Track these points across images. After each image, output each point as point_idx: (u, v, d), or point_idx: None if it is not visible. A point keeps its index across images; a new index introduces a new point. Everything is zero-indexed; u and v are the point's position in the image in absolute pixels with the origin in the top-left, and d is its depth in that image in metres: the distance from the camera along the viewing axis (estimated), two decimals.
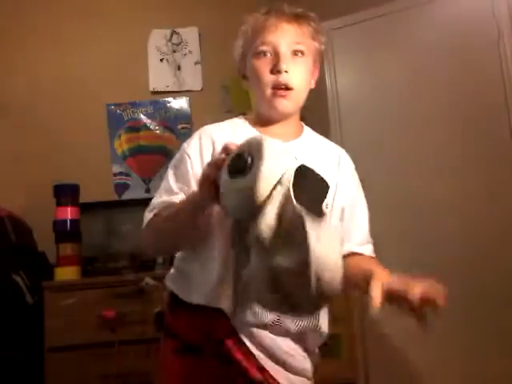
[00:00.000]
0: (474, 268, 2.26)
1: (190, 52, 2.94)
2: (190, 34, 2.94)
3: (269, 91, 1.07)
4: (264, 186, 0.76)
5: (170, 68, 2.93)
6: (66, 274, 2.26)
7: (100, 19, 2.88)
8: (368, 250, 1.14)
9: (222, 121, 1.18)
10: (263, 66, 1.07)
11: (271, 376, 1.04)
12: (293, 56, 1.08)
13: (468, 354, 2.24)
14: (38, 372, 2.07)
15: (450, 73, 2.38)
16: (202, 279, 1.05)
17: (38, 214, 2.46)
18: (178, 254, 1.15)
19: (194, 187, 1.02)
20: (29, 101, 2.80)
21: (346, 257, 1.02)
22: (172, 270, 1.15)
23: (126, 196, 2.80)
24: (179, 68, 2.93)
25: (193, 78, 2.91)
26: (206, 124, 1.16)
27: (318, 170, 0.81)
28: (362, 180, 1.21)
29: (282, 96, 1.07)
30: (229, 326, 1.03)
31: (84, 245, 2.39)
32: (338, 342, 2.14)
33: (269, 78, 1.07)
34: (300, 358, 1.09)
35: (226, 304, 1.02)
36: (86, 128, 2.79)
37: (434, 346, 2.30)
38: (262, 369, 1.04)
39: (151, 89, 2.89)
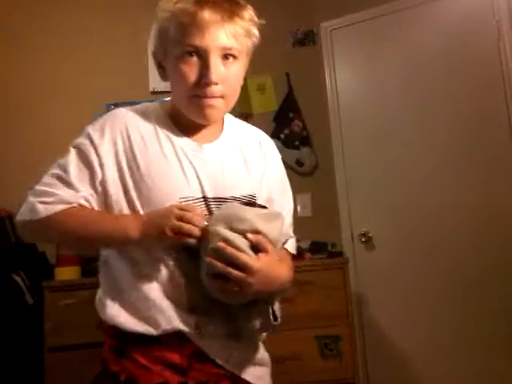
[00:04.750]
0: (467, 264, 2.27)
1: None
2: None
3: (192, 99, 0.95)
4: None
5: None
6: (66, 273, 2.26)
7: (100, 19, 2.88)
8: (289, 245, 1.08)
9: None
10: (188, 71, 0.92)
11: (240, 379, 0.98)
12: (223, 60, 0.94)
13: (469, 355, 2.24)
14: (38, 372, 2.07)
15: (449, 72, 2.38)
16: (152, 304, 0.93)
17: None
18: (108, 282, 0.99)
19: (99, 175, 1.00)
20: (29, 100, 2.80)
21: None
22: (108, 301, 0.96)
23: None
24: None
25: None
26: None
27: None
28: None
29: (210, 106, 0.94)
30: (193, 348, 0.93)
31: None
32: (338, 342, 2.14)
33: (194, 87, 0.93)
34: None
35: (187, 323, 0.93)
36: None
37: (433, 347, 2.31)
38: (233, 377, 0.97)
39: (151, 89, 2.88)
